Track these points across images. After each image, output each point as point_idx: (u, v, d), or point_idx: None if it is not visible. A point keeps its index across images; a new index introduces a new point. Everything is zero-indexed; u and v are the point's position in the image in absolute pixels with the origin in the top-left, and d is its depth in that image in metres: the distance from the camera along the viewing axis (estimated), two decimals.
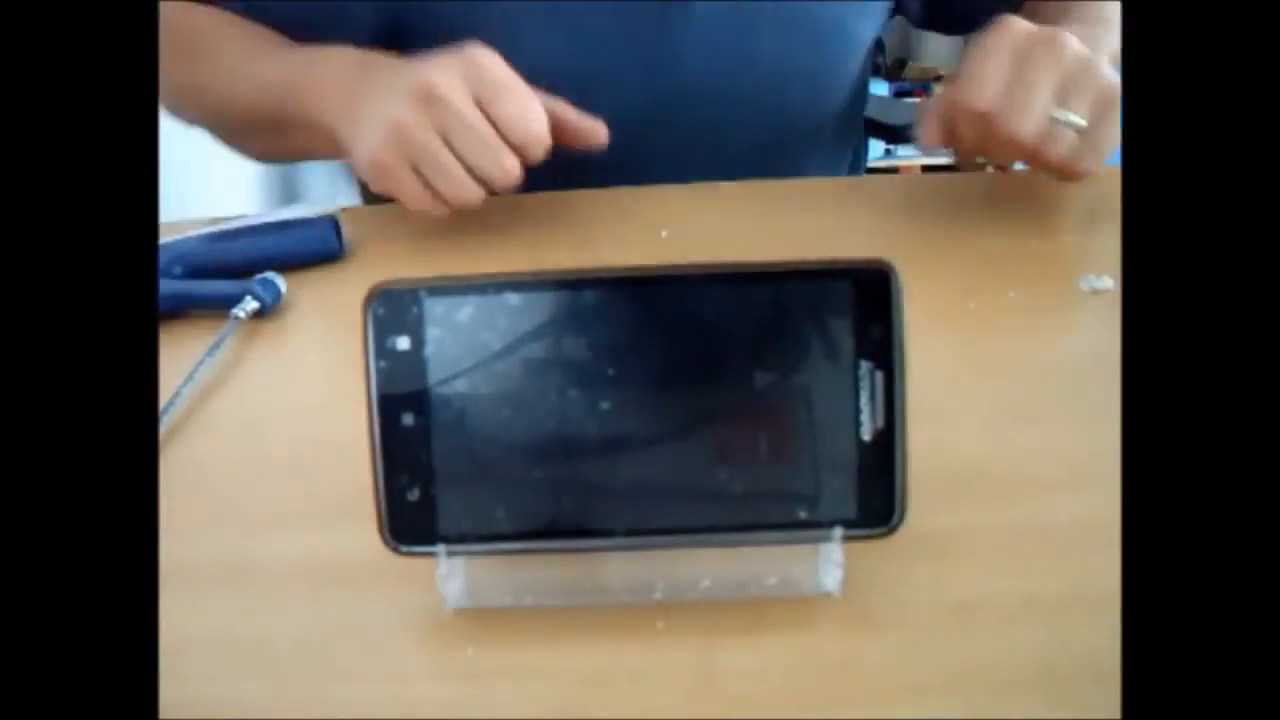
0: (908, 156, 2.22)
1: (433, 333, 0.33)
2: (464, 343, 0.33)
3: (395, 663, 0.34)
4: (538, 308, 0.33)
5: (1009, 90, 0.55)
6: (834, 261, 0.33)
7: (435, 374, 0.33)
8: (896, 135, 1.07)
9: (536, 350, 0.33)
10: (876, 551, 0.35)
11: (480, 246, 0.62)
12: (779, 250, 0.34)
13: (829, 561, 0.34)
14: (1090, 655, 0.32)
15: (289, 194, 1.26)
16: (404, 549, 0.34)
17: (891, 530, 0.34)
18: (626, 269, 0.34)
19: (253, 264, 0.57)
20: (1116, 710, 0.26)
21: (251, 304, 0.53)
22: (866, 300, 0.33)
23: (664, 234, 0.61)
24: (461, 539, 0.34)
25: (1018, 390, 0.46)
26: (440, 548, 0.34)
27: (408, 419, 0.33)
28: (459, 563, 0.35)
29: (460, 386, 0.33)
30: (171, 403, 0.47)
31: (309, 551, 0.38)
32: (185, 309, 0.55)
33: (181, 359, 0.50)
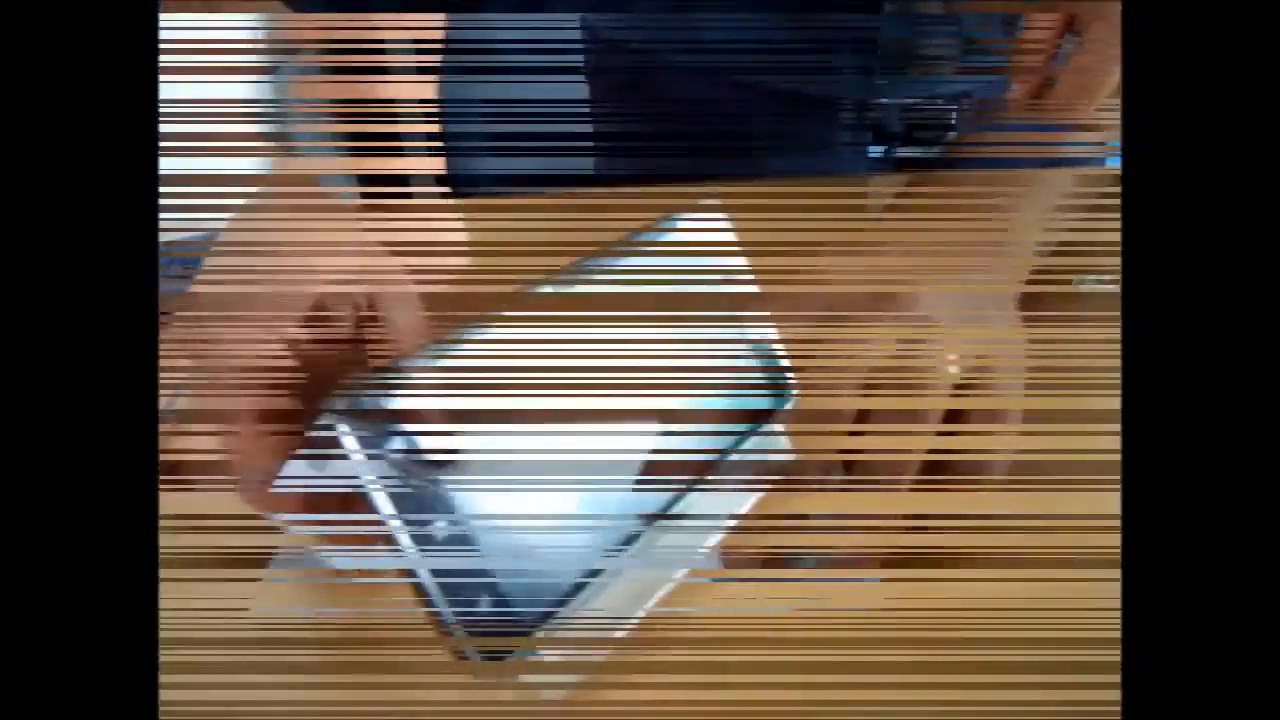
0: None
1: None
2: None
3: (396, 662, 0.34)
4: None
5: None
6: None
7: None
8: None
9: None
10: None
11: (480, 247, 0.62)
12: (778, 251, 0.34)
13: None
14: (1090, 655, 0.33)
15: None
16: None
17: None
18: None
19: None
20: (1116, 708, 0.26)
21: None
22: None
23: None
24: None
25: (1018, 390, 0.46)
26: None
27: None
28: None
29: None
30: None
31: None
32: None
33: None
